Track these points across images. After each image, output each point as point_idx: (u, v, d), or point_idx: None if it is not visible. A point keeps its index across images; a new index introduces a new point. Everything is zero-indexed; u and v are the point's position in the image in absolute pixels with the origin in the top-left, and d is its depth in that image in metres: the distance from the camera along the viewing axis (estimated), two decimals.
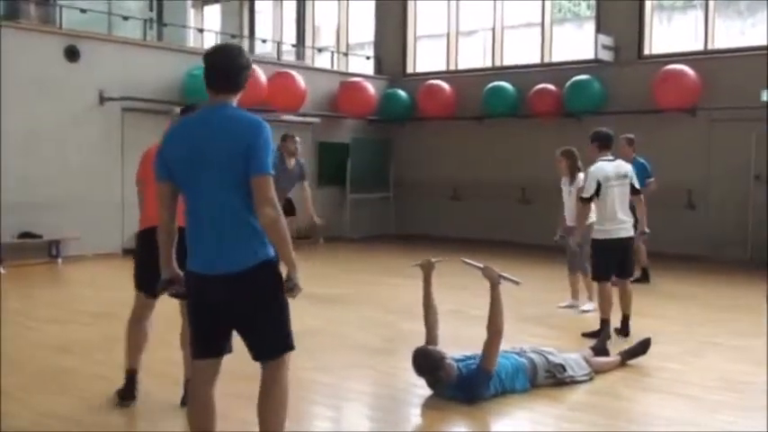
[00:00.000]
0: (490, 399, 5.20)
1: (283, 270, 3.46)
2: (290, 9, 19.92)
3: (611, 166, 7.32)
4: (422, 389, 5.47)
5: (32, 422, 4.65)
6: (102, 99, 12.62)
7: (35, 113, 11.86)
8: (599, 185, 7.17)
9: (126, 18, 14.73)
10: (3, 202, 11.23)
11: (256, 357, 3.57)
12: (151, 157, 4.93)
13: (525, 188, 15.44)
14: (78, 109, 12.43)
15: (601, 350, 6.09)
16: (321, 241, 15.33)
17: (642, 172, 9.48)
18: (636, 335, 6.88)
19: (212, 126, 3.43)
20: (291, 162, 10.07)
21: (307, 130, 15.75)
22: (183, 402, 4.94)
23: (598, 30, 14.58)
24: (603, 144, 7.44)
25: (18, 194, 11.47)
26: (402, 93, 16.80)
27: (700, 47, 13.96)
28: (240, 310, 3.46)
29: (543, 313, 8.38)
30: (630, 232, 7.27)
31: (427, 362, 5.26)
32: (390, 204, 17.31)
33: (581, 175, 8.44)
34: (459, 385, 5.17)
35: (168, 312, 4.98)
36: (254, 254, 3.42)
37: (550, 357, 5.54)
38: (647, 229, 7.64)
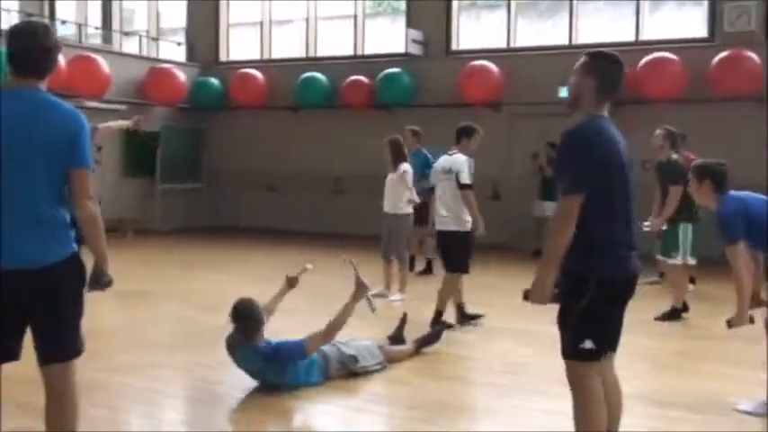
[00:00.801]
0: (284, 390, 5.13)
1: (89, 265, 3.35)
2: None
3: (442, 160, 7.47)
4: (216, 385, 5.32)
5: None
6: None
7: None
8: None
9: None
10: None
11: (47, 360, 3.30)
12: None
13: (339, 178, 15.52)
14: None
15: (397, 339, 6.17)
16: (130, 234, 14.74)
17: (424, 164, 9.68)
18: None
19: (24, 110, 3.17)
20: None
21: (113, 118, 15.02)
22: None
23: (409, 24, 14.87)
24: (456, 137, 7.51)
25: None
26: (214, 81, 16.40)
27: (504, 44, 14.54)
28: (39, 308, 3.23)
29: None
30: (448, 226, 7.24)
31: (246, 310, 5.17)
32: (203, 195, 16.86)
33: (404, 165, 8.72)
34: (267, 353, 5.12)
35: None
36: (62, 248, 3.25)
37: (343, 348, 5.53)
38: (481, 228, 7.34)
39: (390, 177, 8.86)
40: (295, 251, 12.09)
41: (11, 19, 16.81)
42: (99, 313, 8.17)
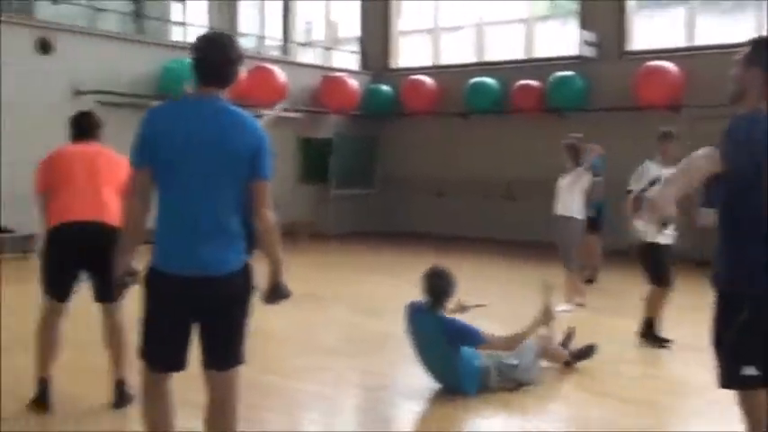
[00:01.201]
0: (442, 393, 5.08)
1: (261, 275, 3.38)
2: (276, 5, 19.74)
3: (653, 168, 6.89)
4: (378, 391, 5.35)
5: None
6: (76, 92, 12.44)
7: (6, 106, 11.67)
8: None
9: (99, 10, 14.50)
10: None
11: (214, 366, 3.32)
12: (54, 164, 4.90)
13: (510, 184, 15.30)
14: (51, 102, 12.23)
15: (580, 355, 5.90)
16: (304, 239, 15.21)
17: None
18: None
19: (207, 118, 3.20)
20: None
21: (289, 126, 15.60)
22: (117, 403, 4.81)
23: (582, 26, 14.45)
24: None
25: None
26: (385, 88, 16.65)
27: (682, 43, 13.82)
28: (212, 315, 3.25)
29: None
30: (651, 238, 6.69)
31: (443, 281, 5.20)
32: (374, 201, 17.15)
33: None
34: (448, 324, 5.17)
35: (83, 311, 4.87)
36: (237, 257, 3.27)
37: (504, 359, 5.36)
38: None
39: (564, 180, 8.61)
40: (464, 257, 12.00)
41: (198, 33, 17.85)
42: (272, 316, 8.47)
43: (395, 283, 10.13)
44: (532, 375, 5.43)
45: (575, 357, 5.89)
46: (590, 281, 10.05)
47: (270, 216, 3.29)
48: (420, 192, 16.60)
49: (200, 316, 3.25)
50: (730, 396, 3.22)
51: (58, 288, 4.72)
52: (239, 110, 3.29)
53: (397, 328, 7.25)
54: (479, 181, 15.71)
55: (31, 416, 4.65)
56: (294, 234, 15.09)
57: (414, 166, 16.72)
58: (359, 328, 7.58)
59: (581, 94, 14.05)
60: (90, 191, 4.70)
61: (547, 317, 5.59)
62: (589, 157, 8.56)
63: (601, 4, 14.26)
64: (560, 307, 8.43)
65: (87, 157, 4.88)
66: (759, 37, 3.33)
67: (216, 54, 3.25)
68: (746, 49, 3.24)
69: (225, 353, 3.31)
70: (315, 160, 16.03)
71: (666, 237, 6.60)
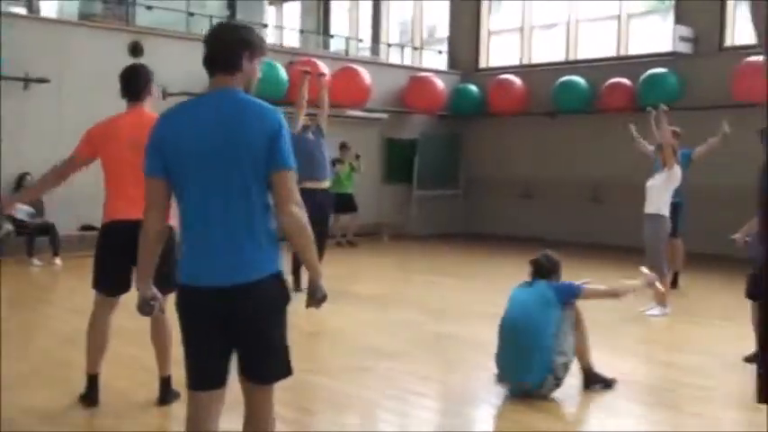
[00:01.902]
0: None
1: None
2: (366, 6, 19.82)
3: None
4: (417, 396, 5.21)
5: (6, 417, 4.54)
6: (165, 94, 12.76)
7: (97, 108, 12.05)
8: None
9: (190, 14, 14.84)
10: (66, 195, 11.47)
11: (254, 378, 3.10)
12: (102, 133, 4.77)
13: (597, 186, 14.84)
14: None
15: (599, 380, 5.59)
16: (386, 239, 15.20)
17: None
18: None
19: (222, 114, 2.98)
20: None
21: (374, 126, 15.61)
22: (162, 400, 4.85)
23: (677, 21, 13.87)
24: None
25: (79, 188, 11.70)
26: (473, 87, 16.43)
27: None
28: (248, 325, 3.03)
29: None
30: None
31: (549, 262, 5.42)
32: (459, 202, 16.96)
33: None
34: (554, 285, 5.32)
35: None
36: (270, 263, 3.03)
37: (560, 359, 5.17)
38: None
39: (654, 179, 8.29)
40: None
41: (292, 36, 18.12)
42: (333, 317, 8.47)
43: (469, 287, 9.96)
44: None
45: (596, 380, 5.48)
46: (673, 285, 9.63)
47: (296, 212, 2.98)
48: (506, 193, 16.30)
49: (234, 327, 3.02)
50: None
51: (107, 285, 4.77)
52: (253, 98, 3.06)
53: (459, 330, 7.17)
54: (567, 182, 15.30)
55: (78, 410, 4.72)
56: (376, 235, 15.13)
57: (500, 167, 16.43)
58: (415, 329, 7.43)
59: (674, 91, 13.46)
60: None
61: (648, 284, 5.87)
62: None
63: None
64: (652, 311, 8.10)
65: (136, 139, 4.40)
66: None
67: (215, 41, 3.09)
68: None
69: (259, 366, 3.09)
70: (399, 160, 15.97)
71: None
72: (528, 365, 5.06)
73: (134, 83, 4.83)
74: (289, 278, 8.85)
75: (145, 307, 3.24)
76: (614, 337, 7.10)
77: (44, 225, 11.19)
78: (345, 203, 13.83)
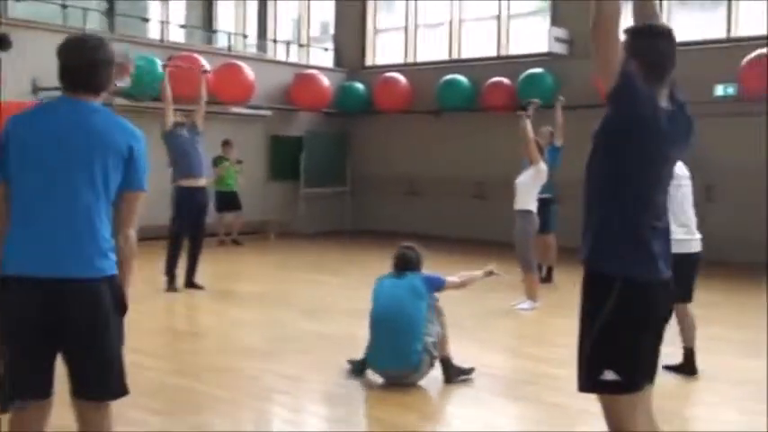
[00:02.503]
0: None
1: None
2: (251, 3, 19.61)
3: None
4: (282, 395, 5.19)
5: None
6: (36, 89, 12.29)
7: None
8: None
9: (65, 7, 14.32)
10: None
11: (85, 394, 2.93)
12: None
13: (481, 183, 15.13)
14: (9, 98, 12.07)
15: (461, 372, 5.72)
16: (272, 237, 15.07)
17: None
18: None
19: (79, 123, 2.94)
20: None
21: (259, 123, 15.45)
22: None
23: (553, 22, 14.28)
24: None
25: None
26: (359, 85, 16.48)
27: None
28: (78, 328, 2.85)
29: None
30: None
31: (413, 253, 5.76)
32: (346, 199, 16.99)
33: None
34: (424, 276, 5.64)
35: None
36: (108, 264, 2.94)
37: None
38: None
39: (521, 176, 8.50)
40: (435, 256, 11.84)
41: (175, 31, 17.71)
42: (203, 315, 8.34)
43: (348, 284, 9.98)
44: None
45: (457, 372, 5.61)
46: (546, 279, 9.90)
47: (133, 237, 3.04)
48: (392, 191, 16.43)
49: (69, 330, 2.87)
50: None
51: None
52: (117, 116, 3.05)
53: (332, 329, 7.17)
54: (451, 180, 15.54)
55: None
56: (263, 233, 14.99)
57: (386, 165, 16.54)
58: (289, 327, 7.40)
59: (550, 91, 13.84)
60: None
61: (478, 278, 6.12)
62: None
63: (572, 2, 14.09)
64: (522, 305, 8.30)
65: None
66: (634, 26, 3.17)
67: (78, 57, 2.97)
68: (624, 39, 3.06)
69: (95, 380, 2.93)
70: (285, 158, 15.86)
71: None
72: (405, 352, 5.27)
73: None
74: (162, 278, 8.77)
75: None
76: (484, 330, 7.27)
77: None
78: (229, 201, 13.64)
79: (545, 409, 5.14)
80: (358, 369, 5.62)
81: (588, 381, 2.97)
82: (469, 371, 5.63)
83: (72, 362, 2.93)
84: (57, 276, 2.85)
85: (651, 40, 3.02)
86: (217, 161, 13.21)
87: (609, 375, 2.90)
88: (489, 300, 8.45)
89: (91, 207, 2.92)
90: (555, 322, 7.89)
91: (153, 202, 12.01)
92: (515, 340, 7.36)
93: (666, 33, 3.05)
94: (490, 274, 6.12)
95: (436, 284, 5.62)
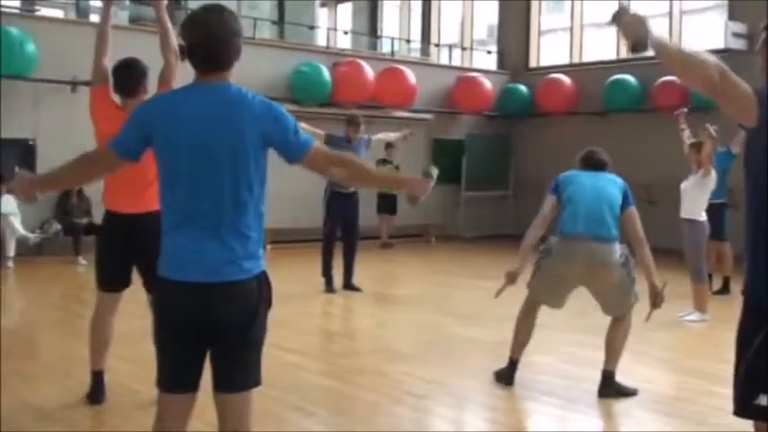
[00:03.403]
0: None
1: None
2: (416, 7, 19.77)
3: None
4: (420, 399, 5.14)
5: (6, 416, 4.55)
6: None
7: None
8: None
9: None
10: None
11: (228, 387, 2.89)
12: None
13: (650, 186, 14.45)
14: None
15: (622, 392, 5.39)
16: (433, 240, 15.09)
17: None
18: None
19: (219, 109, 2.80)
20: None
21: (420, 127, 15.51)
22: (91, 398, 4.77)
23: (730, 17, 13.44)
24: None
25: None
26: (522, 87, 16.22)
27: None
28: (228, 327, 2.83)
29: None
30: None
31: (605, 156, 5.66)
32: (508, 203, 16.73)
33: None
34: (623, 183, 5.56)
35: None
36: (256, 263, 2.87)
37: None
38: None
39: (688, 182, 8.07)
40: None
41: (343, 38, 18.14)
42: (353, 317, 8.43)
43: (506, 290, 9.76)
44: None
45: (617, 390, 5.28)
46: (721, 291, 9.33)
47: (345, 162, 3.04)
48: None
49: (218, 329, 2.85)
50: None
51: (108, 281, 4.79)
52: (249, 91, 2.87)
53: (482, 334, 7.06)
54: None
55: (83, 408, 4.75)
56: (424, 235, 15.04)
57: (549, 168, 16.07)
58: (437, 331, 7.33)
59: None
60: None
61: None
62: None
63: None
64: (689, 316, 7.85)
65: None
66: None
67: (205, 33, 2.80)
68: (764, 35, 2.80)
69: (241, 372, 2.90)
70: (446, 161, 15.82)
71: None
72: (601, 219, 5.21)
73: (129, 78, 4.74)
74: (320, 280, 8.95)
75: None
76: (642, 342, 6.89)
77: (90, 225, 11.40)
78: (388, 204, 13.79)
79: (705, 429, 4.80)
80: (508, 375, 5.43)
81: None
82: (632, 392, 5.27)
83: (217, 353, 2.92)
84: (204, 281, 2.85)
85: None
86: (379, 163, 13.37)
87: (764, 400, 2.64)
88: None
89: (243, 202, 2.84)
90: (723, 336, 7.38)
91: (306, 204, 12.34)
92: (673, 353, 6.94)
93: None
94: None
95: (629, 195, 5.43)
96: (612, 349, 5.29)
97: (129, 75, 4.73)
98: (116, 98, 4.77)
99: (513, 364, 5.44)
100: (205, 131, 2.81)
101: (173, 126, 2.84)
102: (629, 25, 2.61)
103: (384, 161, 13.61)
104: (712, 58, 2.57)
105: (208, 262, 2.81)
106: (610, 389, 5.22)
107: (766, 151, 2.61)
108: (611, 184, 5.34)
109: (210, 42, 2.82)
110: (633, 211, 5.32)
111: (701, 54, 2.58)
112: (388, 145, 13.73)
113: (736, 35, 13.08)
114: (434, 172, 3.17)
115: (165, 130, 2.85)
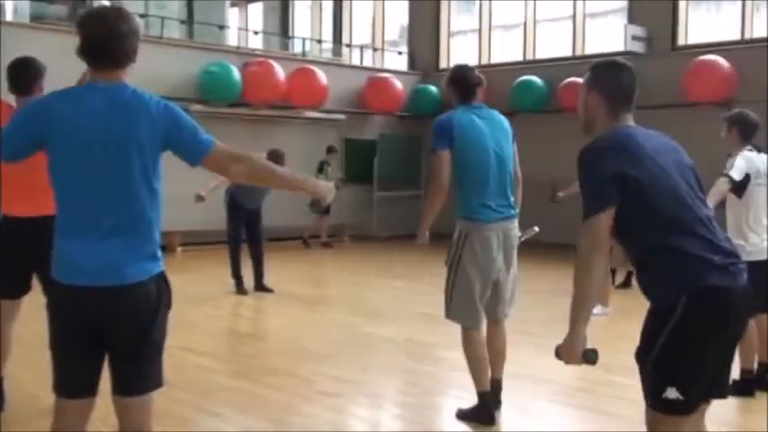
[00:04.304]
0: None
1: None
2: (328, 7, 19.80)
3: (758, 160, 5.43)
4: (333, 397, 5.17)
5: None
6: None
7: None
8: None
9: (143, 16, 14.71)
10: None
11: (128, 391, 2.86)
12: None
13: (556, 185, 14.81)
14: None
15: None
16: (346, 240, 15.14)
17: None
18: None
19: (114, 109, 2.75)
20: None
21: (332, 127, 15.55)
22: None
23: (630, 20, 13.94)
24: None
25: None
26: (432, 88, 16.42)
27: (736, 36, 13.16)
28: (127, 331, 2.79)
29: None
30: None
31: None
32: (420, 202, 16.89)
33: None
34: None
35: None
36: (155, 264, 2.84)
37: None
38: None
39: None
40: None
41: (254, 38, 18.01)
42: (263, 317, 8.40)
43: (418, 289, 9.91)
44: None
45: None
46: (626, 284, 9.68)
47: (244, 159, 2.93)
48: None
49: (118, 333, 2.81)
50: None
51: (5, 287, 4.67)
52: (146, 93, 2.84)
53: (393, 333, 7.14)
54: (525, 182, 15.26)
55: None
56: (338, 235, 15.07)
57: None
58: (353, 332, 7.38)
59: None
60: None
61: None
62: None
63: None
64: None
65: None
66: (597, 61, 3.16)
67: (101, 31, 2.77)
68: (587, 74, 3.00)
69: (141, 375, 2.87)
70: (359, 161, 15.93)
71: None
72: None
73: (25, 76, 4.60)
74: (231, 281, 8.89)
75: None
76: (547, 336, 7.08)
77: None
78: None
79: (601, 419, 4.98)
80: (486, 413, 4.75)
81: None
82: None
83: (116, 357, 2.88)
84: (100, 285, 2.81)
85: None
86: (322, 164, 13.92)
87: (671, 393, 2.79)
88: (557, 305, 8.25)
89: (140, 202, 2.81)
90: (622, 328, 7.65)
91: (216, 206, 12.22)
92: None
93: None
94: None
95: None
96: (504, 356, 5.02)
97: (25, 73, 4.61)
98: (10, 98, 4.64)
99: (483, 397, 4.72)
100: (101, 131, 2.76)
101: (67, 125, 2.78)
102: (568, 358, 3.01)
103: (326, 163, 13.94)
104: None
105: (103, 264, 2.75)
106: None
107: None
108: None
109: (107, 38, 2.78)
110: None
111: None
112: (330, 149, 14.02)
113: (636, 38, 13.56)
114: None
115: (59, 129, 2.79)
